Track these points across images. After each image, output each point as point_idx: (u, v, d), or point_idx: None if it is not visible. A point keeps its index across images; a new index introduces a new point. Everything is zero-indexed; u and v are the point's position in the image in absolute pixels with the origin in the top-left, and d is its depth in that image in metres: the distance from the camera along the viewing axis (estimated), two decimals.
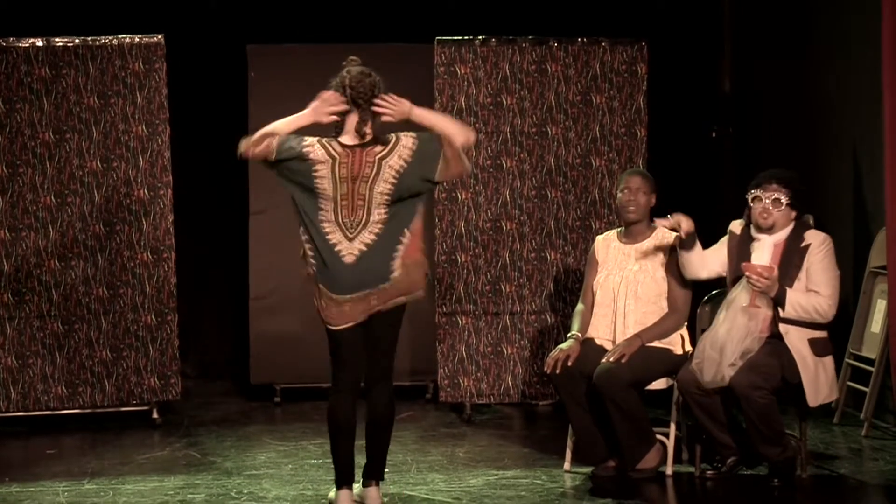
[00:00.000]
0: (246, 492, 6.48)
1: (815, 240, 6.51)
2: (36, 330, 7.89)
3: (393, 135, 5.96)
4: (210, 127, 9.16)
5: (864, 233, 7.87)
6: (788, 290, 6.39)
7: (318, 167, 5.86)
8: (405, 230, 5.93)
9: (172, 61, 8.04)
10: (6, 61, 7.81)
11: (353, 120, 5.92)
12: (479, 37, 8.09)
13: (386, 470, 6.15)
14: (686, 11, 9.38)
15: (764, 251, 6.52)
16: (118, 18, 8.61)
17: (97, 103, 7.91)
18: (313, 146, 5.89)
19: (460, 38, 8.08)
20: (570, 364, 6.54)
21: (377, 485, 6.05)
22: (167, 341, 8.03)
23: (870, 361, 7.60)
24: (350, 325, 5.90)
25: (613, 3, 9.21)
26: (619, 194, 6.79)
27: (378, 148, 5.90)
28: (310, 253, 5.93)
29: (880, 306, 7.54)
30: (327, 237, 5.88)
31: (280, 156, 5.87)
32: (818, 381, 6.42)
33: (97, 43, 7.91)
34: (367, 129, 5.91)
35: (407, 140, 5.94)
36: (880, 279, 7.53)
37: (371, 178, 5.88)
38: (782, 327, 6.43)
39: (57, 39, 7.88)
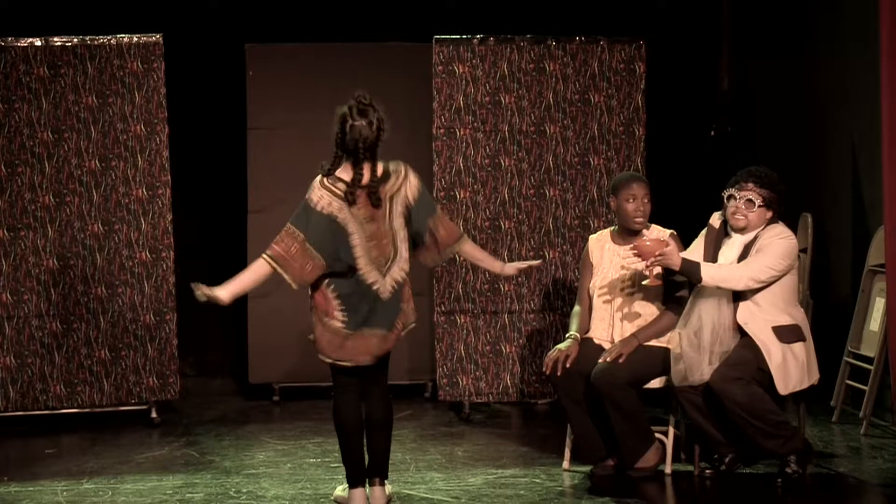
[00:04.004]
0: (245, 491, 6.48)
1: (770, 232, 6.45)
2: (35, 329, 7.89)
3: (401, 165, 5.94)
4: (208, 126, 9.17)
5: (863, 231, 7.87)
6: (701, 263, 6.36)
7: (339, 216, 5.83)
8: (407, 277, 6.00)
9: (171, 60, 8.04)
10: (4, 61, 7.81)
11: (347, 168, 5.86)
12: (478, 36, 8.09)
13: None
14: (684, 10, 9.38)
15: (734, 249, 6.51)
16: (116, 18, 8.61)
17: (96, 103, 7.91)
18: (321, 198, 5.83)
19: (459, 37, 8.08)
20: (568, 365, 6.54)
21: (382, 483, 6.07)
22: (166, 340, 8.03)
23: (869, 360, 7.60)
24: (364, 363, 5.93)
25: (612, 2, 9.21)
26: (621, 202, 6.73)
27: (387, 185, 5.87)
28: (336, 302, 5.89)
29: (879, 304, 7.55)
30: (364, 278, 5.85)
31: (310, 235, 5.83)
32: (786, 368, 6.36)
33: (95, 42, 7.91)
34: (366, 179, 5.84)
35: (414, 179, 5.93)
36: (879, 277, 7.53)
37: (387, 214, 5.88)
38: (740, 317, 6.41)
39: (55, 39, 7.88)
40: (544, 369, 6.61)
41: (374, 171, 5.85)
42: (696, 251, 6.61)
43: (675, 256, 6.36)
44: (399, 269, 5.91)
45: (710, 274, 6.36)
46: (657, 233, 6.76)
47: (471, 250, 6.15)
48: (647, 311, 6.68)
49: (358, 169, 5.83)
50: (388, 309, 5.92)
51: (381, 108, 5.87)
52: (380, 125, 5.85)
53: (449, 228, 6.03)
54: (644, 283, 6.50)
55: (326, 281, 5.89)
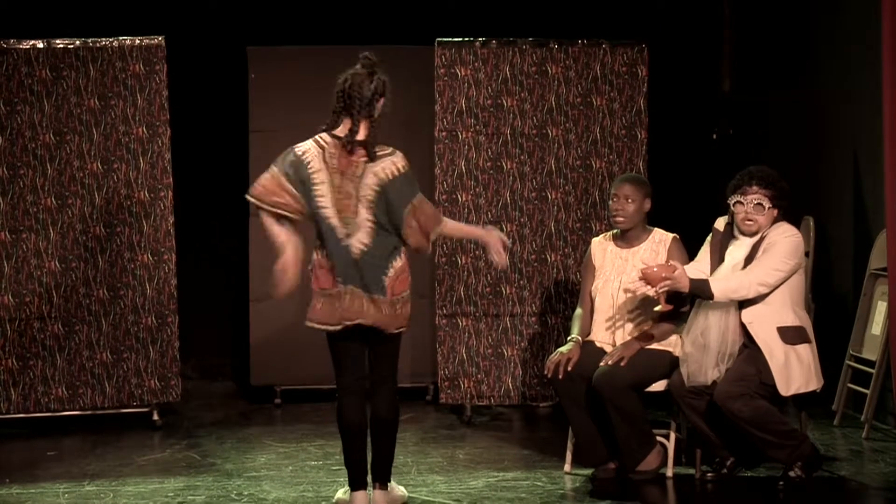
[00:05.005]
0: (246, 493, 6.48)
1: (776, 231, 6.44)
2: (36, 332, 7.89)
3: (391, 148, 5.95)
4: (210, 129, 9.17)
5: (865, 235, 7.87)
6: (710, 280, 6.35)
7: (311, 163, 5.87)
8: (395, 254, 5.94)
9: (173, 63, 8.05)
10: (7, 63, 7.81)
11: (346, 123, 5.91)
12: (480, 38, 8.09)
13: None
14: (686, 13, 9.38)
15: (741, 249, 6.50)
16: (119, 20, 8.62)
17: (98, 105, 7.92)
18: (302, 145, 5.92)
19: (461, 39, 8.08)
20: (570, 368, 6.54)
21: (384, 486, 6.06)
22: (167, 343, 8.03)
23: (870, 363, 7.60)
24: (344, 325, 5.90)
25: (614, 6, 9.21)
26: (609, 201, 6.77)
27: (367, 151, 5.88)
28: (317, 255, 5.93)
29: (881, 308, 7.54)
30: (335, 231, 5.88)
31: (284, 169, 5.89)
32: (789, 369, 6.34)
33: (98, 45, 7.92)
34: (360, 136, 5.88)
35: (399, 161, 5.92)
36: (881, 281, 7.53)
37: (358, 176, 5.88)
38: (745, 317, 6.39)
39: (57, 41, 7.89)
40: (546, 372, 6.61)
41: (370, 130, 5.88)
42: (703, 260, 6.60)
43: (684, 279, 6.33)
44: (364, 233, 5.87)
45: (719, 289, 6.33)
46: (660, 236, 6.76)
47: (452, 229, 6.14)
48: (650, 316, 6.67)
49: (354, 123, 5.87)
50: (365, 271, 5.87)
51: (386, 75, 5.94)
52: (381, 84, 5.90)
53: (428, 214, 5.96)
54: (656, 309, 6.48)
55: (318, 248, 5.91)
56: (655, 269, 6.33)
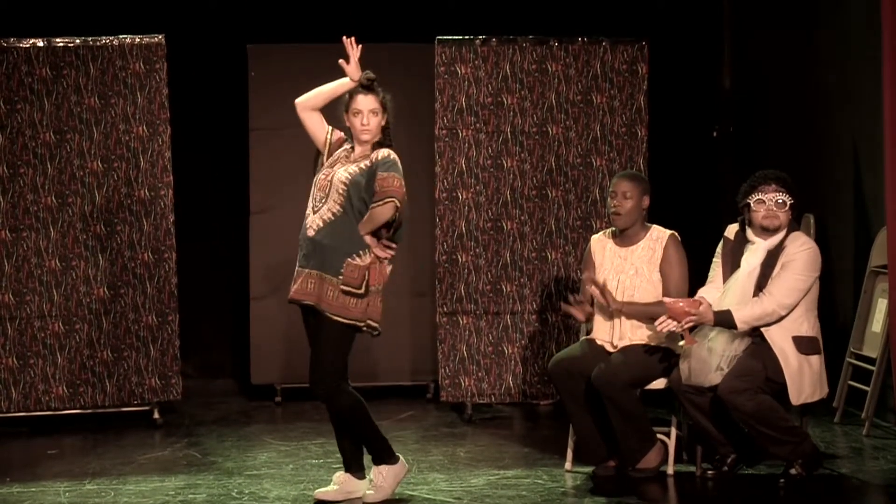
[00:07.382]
0: (247, 492, 6.48)
1: (793, 244, 6.44)
2: (37, 330, 7.89)
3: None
4: (211, 127, 9.17)
5: (865, 232, 7.87)
6: (732, 311, 6.35)
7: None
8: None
9: (173, 61, 8.05)
10: (7, 62, 7.81)
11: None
12: (480, 36, 8.09)
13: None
14: (686, 11, 9.38)
15: (756, 254, 6.48)
16: (119, 19, 8.62)
17: (98, 104, 7.92)
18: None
19: (461, 37, 8.08)
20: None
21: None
22: (168, 341, 8.03)
23: (871, 361, 7.60)
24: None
25: (614, 3, 9.21)
26: (608, 199, 6.77)
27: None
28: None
29: (881, 306, 7.55)
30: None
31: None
32: (801, 378, 6.37)
33: (98, 43, 7.92)
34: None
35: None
36: (881, 278, 7.53)
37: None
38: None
39: (58, 40, 7.89)
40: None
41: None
42: (717, 278, 6.58)
43: (709, 314, 6.33)
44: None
45: (743, 319, 6.33)
46: (657, 233, 6.75)
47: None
48: (674, 346, 6.65)
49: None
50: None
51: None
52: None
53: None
54: (680, 343, 6.48)
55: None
56: (681, 305, 6.31)
